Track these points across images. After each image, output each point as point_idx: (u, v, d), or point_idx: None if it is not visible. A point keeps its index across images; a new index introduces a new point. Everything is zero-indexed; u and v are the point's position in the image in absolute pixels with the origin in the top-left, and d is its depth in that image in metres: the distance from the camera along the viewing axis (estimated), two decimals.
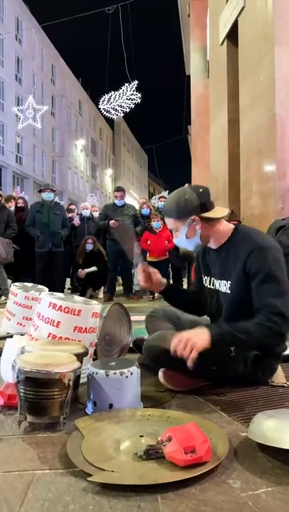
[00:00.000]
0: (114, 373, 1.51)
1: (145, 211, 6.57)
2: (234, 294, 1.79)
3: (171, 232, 2.00)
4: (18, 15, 28.71)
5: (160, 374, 1.83)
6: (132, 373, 1.54)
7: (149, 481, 1.07)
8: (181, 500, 1.03)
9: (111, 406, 1.51)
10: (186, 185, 2.12)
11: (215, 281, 1.92)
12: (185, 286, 7.07)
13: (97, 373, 1.52)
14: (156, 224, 5.92)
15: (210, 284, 1.97)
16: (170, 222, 1.87)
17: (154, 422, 1.42)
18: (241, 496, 1.04)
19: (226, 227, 1.85)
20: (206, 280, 2.00)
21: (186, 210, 1.79)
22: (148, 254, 6.08)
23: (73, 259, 6.67)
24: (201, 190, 1.82)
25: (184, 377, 1.79)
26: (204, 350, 1.62)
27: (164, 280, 2.11)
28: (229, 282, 1.81)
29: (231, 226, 1.86)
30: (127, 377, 1.53)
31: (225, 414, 1.57)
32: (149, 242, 5.94)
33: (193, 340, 1.56)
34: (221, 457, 1.18)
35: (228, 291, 1.81)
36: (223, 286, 1.84)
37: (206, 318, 2.18)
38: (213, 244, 1.89)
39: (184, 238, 1.85)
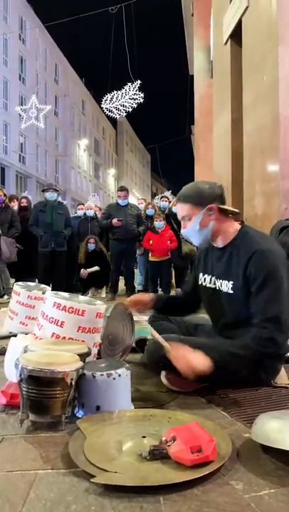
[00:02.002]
0: (101, 375, 1.50)
1: (150, 212, 6.56)
2: (236, 294, 1.79)
3: (175, 232, 2.01)
4: (22, 14, 28.74)
5: (162, 375, 1.83)
6: (120, 375, 1.52)
7: (153, 482, 1.06)
8: (183, 501, 1.03)
9: (98, 408, 1.50)
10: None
11: (216, 280, 1.92)
12: None
13: (84, 375, 1.51)
14: (158, 224, 5.91)
15: (210, 283, 1.97)
16: (184, 208, 1.84)
17: (155, 423, 1.42)
18: (244, 498, 1.04)
19: (233, 228, 1.87)
20: (204, 279, 2.00)
21: (207, 198, 1.80)
22: (150, 254, 6.07)
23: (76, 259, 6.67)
24: (218, 184, 1.87)
25: (186, 380, 1.78)
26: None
27: (150, 294, 2.19)
28: (231, 282, 1.81)
29: (238, 227, 1.87)
30: (114, 378, 1.51)
31: (227, 415, 1.56)
32: (151, 241, 5.93)
33: (193, 365, 1.59)
34: (224, 458, 1.18)
35: (231, 291, 1.82)
36: (225, 286, 1.85)
37: (207, 318, 2.18)
38: (219, 243, 1.90)
39: (197, 228, 1.82)
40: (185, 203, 1.84)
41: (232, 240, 1.85)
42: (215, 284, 1.93)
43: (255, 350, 1.65)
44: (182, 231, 1.94)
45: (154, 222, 5.95)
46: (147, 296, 2.19)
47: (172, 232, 5.93)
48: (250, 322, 1.74)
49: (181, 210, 1.87)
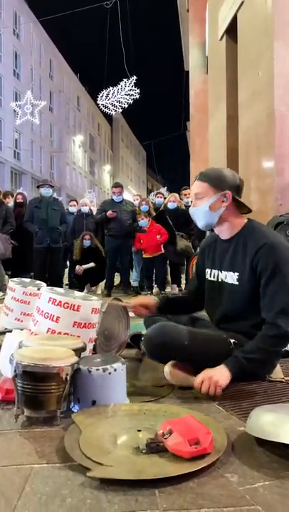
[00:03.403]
0: (97, 370, 1.50)
1: (144, 208, 6.55)
2: (241, 285, 1.81)
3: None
4: (16, 9, 28.48)
5: (166, 370, 1.81)
6: (115, 370, 1.53)
7: (149, 475, 1.07)
8: (178, 493, 1.03)
9: (94, 403, 1.50)
10: None
11: (220, 273, 1.93)
12: (183, 282, 7.07)
13: (80, 370, 1.51)
14: (142, 223, 5.91)
15: (212, 277, 1.98)
16: (200, 186, 1.85)
17: (150, 417, 1.42)
18: (239, 490, 1.04)
19: (241, 221, 1.89)
20: (208, 273, 2.01)
21: (226, 183, 1.82)
22: (143, 252, 6.07)
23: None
24: (240, 177, 1.89)
25: (189, 375, 1.79)
26: (205, 344, 1.76)
27: (153, 297, 2.18)
28: (237, 274, 1.82)
29: (245, 220, 1.90)
30: (110, 373, 1.51)
31: (222, 409, 1.57)
32: (141, 240, 5.93)
33: (215, 378, 1.63)
34: (219, 451, 1.18)
35: (236, 283, 1.83)
36: (230, 277, 1.86)
37: (205, 315, 2.19)
38: (225, 234, 1.91)
39: (206, 209, 1.83)
40: (203, 181, 1.85)
41: (238, 232, 1.87)
42: (218, 276, 1.94)
43: (269, 350, 1.71)
44: (190, 209, 1.95)
45: (139, 222, 5.95)
46: (152, 300, 2.15)
47: (160, 226, 5.92)
48: (251, 314, 1.78)
49: (196, 187, 1.87)
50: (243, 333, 1.81)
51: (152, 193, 10.07)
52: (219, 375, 1.65)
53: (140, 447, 1.18)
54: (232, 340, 1.78)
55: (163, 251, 5.99)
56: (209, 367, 1.73)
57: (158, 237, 5.87)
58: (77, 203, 7.69)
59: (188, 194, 7.22)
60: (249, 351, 1.70)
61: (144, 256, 6.09)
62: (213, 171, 1.89)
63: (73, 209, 7.47)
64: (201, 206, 1.85)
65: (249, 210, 1.92)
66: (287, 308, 1.68)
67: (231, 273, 1.85)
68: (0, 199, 6.02)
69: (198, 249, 5.92)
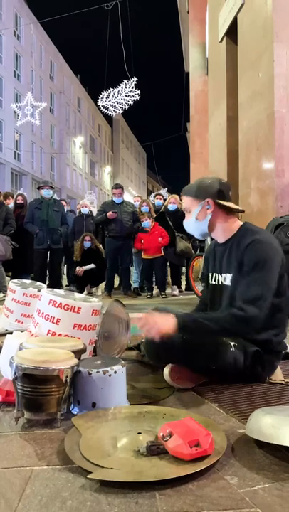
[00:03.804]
0: (97, 372, 1.50)
1: (145, 209, 6.56)
2: (233, 286, 1.82)
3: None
4: (17, 10, 28.54)
5: (166, 372, 1.82)
6: (115, 372, 1.53)
7: (148, 477, 1.07)
8: (178, 496, 1.03)
9: (94, 405, 1.50)
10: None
11: (220, 276, 1.96)
12: (183, 283, 7.08)
13: (80, 372, 1.51)
14: (145, 223, 5.92)
15: (214, 280, 2.00)
16: (186, 201, 1.96)
17: (150, 419, 1.42)
18: (238, 492, 1.04)
19: (236, 224, 1.91)
20: (210, 277, 2.04)
21: (205, 192, 1.88)
22: (143, 253, 6.07)
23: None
24: (223, 181, 1.94)
25: (189, 375, 1.80)
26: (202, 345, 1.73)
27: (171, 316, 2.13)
28: (231, 275, 1.85)
29: (240, 223, 1.93)
30: (110, 375, 1.51)
31: (222, 411, 1.57)
32: (142, 241, 5.93)
33: (158, 325, 1.65)
34: (219, 453, 1.19)
35: (230, 284, 1.85)
36: (228, 279, 1.89)
37: None
38: (220, 239, 1.95)
39: (194, 220, 1.91)
40: (186, 196, 1.95)
41: (233, 234, 1.89)
42: (218, 279, 1.97)
43: (224, 325, 1.69)
44: (183, 223, 2.03)
45: (142, 223, 5.95)
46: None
47: (162, 228, 5.92)
48: None
49: (184, 202, 1.99)
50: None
51: (152, 195, 10.06)
52: (162, 322, 1.65)
53: (140, 450, 1.19)
54: (232, 343, 1.78)
55: (164, 254, 5.99)
56: (208, 368, 1.73)
57: (160, 239, 5.88)
58: (66, 202, 7.70)
59: None
60: (205, 317, 1.73)
61: (143, 257, 6.09)
62: (193, 183, 1.96)
63: (66, 208, 7.49)
64: (190, 219, 1.94)
65: (241, 210, 1.95)
66: (257, 299, 1.68)
67: (228, 275, 1.88)
68: (0, 200, 6.03)
69: (198, 251, 5.95)
